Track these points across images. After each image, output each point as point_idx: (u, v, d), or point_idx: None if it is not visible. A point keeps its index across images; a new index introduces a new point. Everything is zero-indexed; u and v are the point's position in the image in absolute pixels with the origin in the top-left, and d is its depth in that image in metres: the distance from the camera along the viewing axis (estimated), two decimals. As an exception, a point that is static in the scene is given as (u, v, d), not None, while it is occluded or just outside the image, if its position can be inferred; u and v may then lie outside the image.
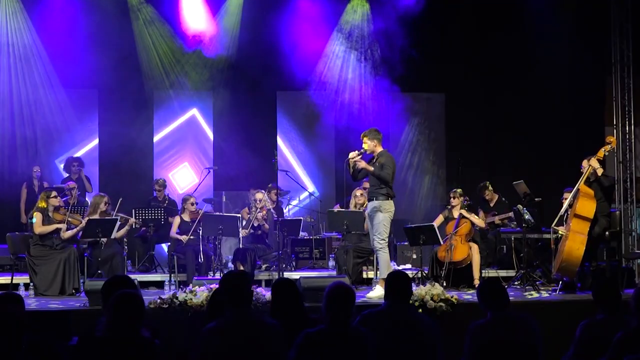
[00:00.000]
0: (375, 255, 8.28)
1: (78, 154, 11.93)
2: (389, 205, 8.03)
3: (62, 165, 11.75)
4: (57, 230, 8.90)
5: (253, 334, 4.09)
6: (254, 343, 4.06)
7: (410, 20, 11.61)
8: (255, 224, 9.92)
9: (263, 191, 10.21)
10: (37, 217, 8.82)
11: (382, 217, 7.99)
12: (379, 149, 8.12)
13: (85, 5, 11.44)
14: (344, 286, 4.28)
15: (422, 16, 11.69)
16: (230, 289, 4.18)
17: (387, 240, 8.11)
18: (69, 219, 9.06)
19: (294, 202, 12.10)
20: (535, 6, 11.69)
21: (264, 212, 9.86)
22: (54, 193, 9.11)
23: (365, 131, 8.19)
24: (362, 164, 8.05)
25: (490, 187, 10.79)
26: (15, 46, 11.60)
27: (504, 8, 12.16)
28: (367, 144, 8.09)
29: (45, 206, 8.91)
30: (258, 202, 9.88)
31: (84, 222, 9.08)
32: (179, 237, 9.70)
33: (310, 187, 12.62)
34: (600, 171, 8.48)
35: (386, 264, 8.03)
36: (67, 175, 11.27)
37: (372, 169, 7.99)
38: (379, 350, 4.33)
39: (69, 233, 8.99)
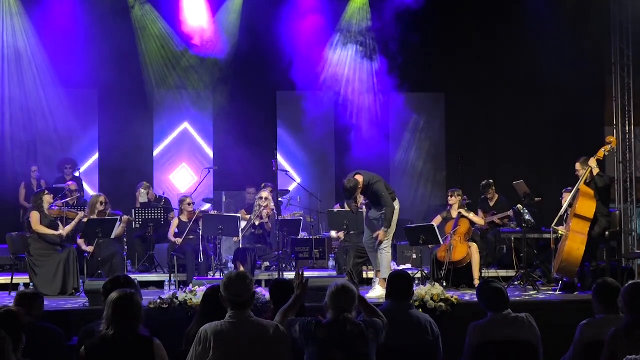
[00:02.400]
0: (371, 255, 8.36)
1: (77, 154, 11.95)
2: (397, 206, 8.21)
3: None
4: (56, 227, 8.93)
5: (254, 334, 4.10)
6: (256, 343, 4.07)
7: (411, 20, 11.61)
8: (257, 223, 9.93)
9: (267, 189, 10.25)
10: (34, 216, 8.85)
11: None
12: (361, 181, 8.12)
13: (84, 5, 11.44)
14: (348, 286, 4.32)
15: (422, 16, 11.68)
16: (233, 290, 4.17)
17: (391, 240, 8.18)
18: (65, 214, 9.14)
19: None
20: (536, 6, 11.69)
21: (269, 210, 9.87)
22: (45, 192, 9.19)
23: (347, 193, 8.17)
24: (381, 237, 8.12)
25: (494, 187, 10.76)
26: (15, 46, 11.60)
27: (504, 8, 12.15)
28: (359, 195, 8.19)
29: (40, 204, 8.94)
30: (264, 200, 9.89)
31: (80, 214, 9.19)
32: (173, 239, 9.72)
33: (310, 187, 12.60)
34: (596, 171, 8.49)
35: (388, 264, 8.09)
36: (60, 176, 11.30)
37: (386, 229, 8.09)
38: (380, 349, 4.34)
39: (68, 228, 9.04)
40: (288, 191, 11.91)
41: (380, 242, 8.14)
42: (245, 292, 4.14)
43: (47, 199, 9.05)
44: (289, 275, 9.25)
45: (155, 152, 12.55)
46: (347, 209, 9.80)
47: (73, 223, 9.13)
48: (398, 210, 8.28)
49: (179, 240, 9.61)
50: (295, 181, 11.79)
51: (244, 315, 4.12)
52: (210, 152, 12.70)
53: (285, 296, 4.75)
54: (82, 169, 11.96)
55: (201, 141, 12.74)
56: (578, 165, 8.73)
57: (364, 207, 8.98)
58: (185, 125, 12.68)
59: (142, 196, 10.80)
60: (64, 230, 8.94)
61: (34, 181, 11.12)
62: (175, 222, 9.92)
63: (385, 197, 8.07)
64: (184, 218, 9.93)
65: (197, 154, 12.71)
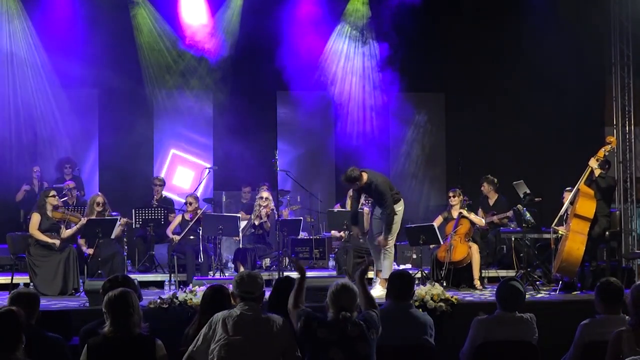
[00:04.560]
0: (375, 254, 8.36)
1: (77, 154, 11.95)
2: (400, 207, 8.21)
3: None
4: (57, 229, 8.91)
5: (262, 325, 4.27)
6: (262, 333, 4.24)
7: (411, 19, 11.60)
8: (257, 223, 9.93)
9: (267, 188, 10.26)
10: (33, 218, 8.83)
11: (395, 220, 8.16)
12: (365, 178, 8.14)
13: (84, 5, 11.44)
14: (349, 285, 4.34)
15: (422, 16, 11.69)
16: (244, 288, 4.35)
17: (394, 241, 8.21)
18: (69, 217, 9.07)
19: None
20: (536, 6, 11.69)
21: (268, 210, 9.88)
22: (52, 192, 9.11)
23: (346, 180, 8.22)
24: (382, 244, 8.22)
25: (492, 180, 10.69)
26: (16, 47, 11.59)
27: (504, 8, 12.15)
28: (355, 186, 8.23)
29: (43, 204, 8.92)
30: (264, 199, 9.91)
31: (83, 220, 9.11)
32: (171, 235, 9.74)
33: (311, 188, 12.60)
34: (597, 172, 8.46)
35: (389, 265, 8.11)
36: (60, 176, 11.29)
37: (386, 235, 8.14)
38: (379, 348, 4.35)
39: (69, 232, 9.01)
40: (288, 191, 11.92)
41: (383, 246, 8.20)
42: (256, 289, 4.38)
43: (52, 200, 8.96)
44: (289, 275, 9.25)
45: (155, 152, 12.55)
46: (347, 208, 9.81)
47: (75, 228, 9.06)
48: (402, 211, 8.29)
49: (176, 238, 9.62)
50: (295, 181, 11.78)
51: (253, 307, 4.32)
52: (210, 152, 12.70)
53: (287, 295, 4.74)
54: (82, 169, 11.96)
55: (201, 141, 12.73)
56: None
57: (364, 208, 9.01)
58: (186, 125, 12.67)
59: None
60: (57, 240, 8.80)
61: (36, 181, 11.11)
62: (177, 219, 9.94)
63: (388, 199, 8.06)
64: (187, 216, 9.94)
65: (197, 153, 12.71)
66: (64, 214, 9.09)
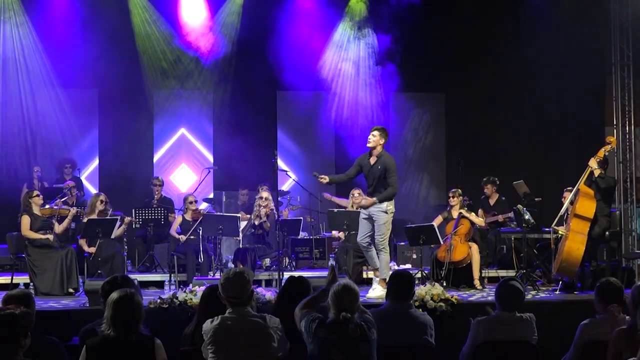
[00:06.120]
0: (367, 254, 8.31)
1: (77, 155, 11.95)
2: (392, 206, 8.09)
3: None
4: (50, 226, 8.91)
5: (252, 330, 4.16)
6: (253, 338, 4.15)
7: (411, 19, 11.62)
8: (257, 223, 9.93)
9: (267, 189, 10.27)
10: (23, 220, 8.85)
11: (386, 219, 8.03)
12: (381, 149, 8.08)
13: (84, 5, 11.45)
14: (350, 285, 4.32)
15: (421, 16, 11.70)
16: (230, 290, 4.22)
17: (387, 240, 8.16)
18: (58, 212, 9.10)
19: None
20: (536, 6, 11.70)
21: (268, 210, 9.88)
22: (35, 192, 9.15)
23: (377, 126, 8.22)
24: (367, 203, 8.07)
25: (494, 181, 10.73)
26: (15, 47, 11.60)
27: (504, 8, 12.16)
28: (374, 139, 8.05)
29: (28, 205, 8.93)
30: (264, 200, 9.91)
31: (73, 210, 9.15)
32: (176, 235, 9.74)
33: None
34: (597, 172, 8.46)
35: (386, 265, 8.08)
36: (60, 176, 11.30)
37: (375, 200, 7.98)
38: (380, 348, 4.35)
39: (62, 225, 9.02)
40: (288, 192, 11.92)
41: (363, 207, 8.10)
42: (242, 293, 4.22)
43: (36, 200, 8.99)
44: (289, 275, 9.24)
45: (155, 152, 12.56)
46: (348, 208, 9.81)
47: (67, 220, 9.09)
48: (392, 210, 8.20)
49: (182, 237, 9.63)
50: (295, 181, 11.79)
51: (243, 312, 4.20)
52: (210, 152, 12.70)
53: (298, 294, 4.72)
54: (82, 170, 11.95)
55: (201, 141, 12.74)
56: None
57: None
58: (185, 125, 12.68)
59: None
60: (51, 235, 8.82)
61: (36, 182, 11.11)
62: (178, 220, 9.95)
63: (394, 176, 7.95)
64: (188, 217, 9.94)
65: (197, 153, 12.72)
66: (52, 210, 9.12)
